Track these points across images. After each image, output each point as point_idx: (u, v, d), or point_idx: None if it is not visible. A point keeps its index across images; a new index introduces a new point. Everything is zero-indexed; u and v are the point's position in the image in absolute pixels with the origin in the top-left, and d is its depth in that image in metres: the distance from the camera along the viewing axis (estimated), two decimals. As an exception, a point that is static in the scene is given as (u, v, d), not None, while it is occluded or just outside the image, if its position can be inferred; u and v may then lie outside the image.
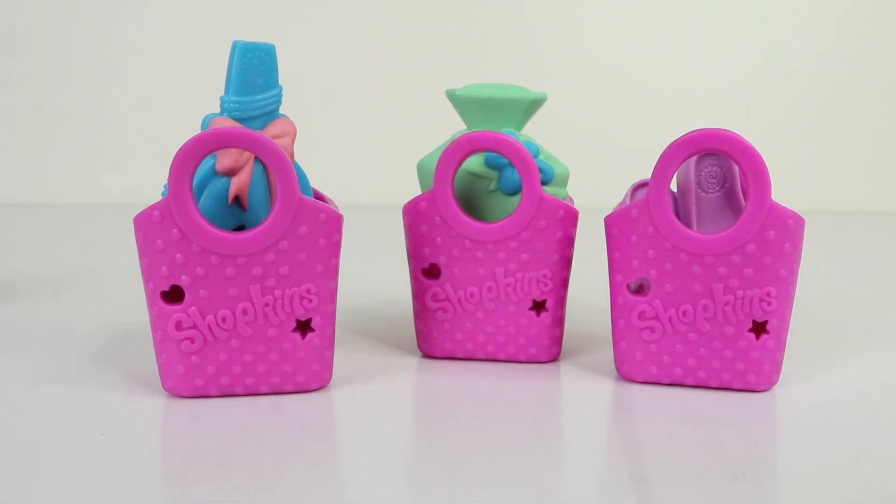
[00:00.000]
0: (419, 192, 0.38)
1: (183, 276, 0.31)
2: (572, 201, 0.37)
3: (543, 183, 0.36)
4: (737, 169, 0.34)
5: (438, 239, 0.36)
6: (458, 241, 0.35)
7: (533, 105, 0.37)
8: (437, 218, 0.35)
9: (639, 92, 0.98)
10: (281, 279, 0.31)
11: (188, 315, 0.31)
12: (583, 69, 0.97)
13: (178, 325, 0.31)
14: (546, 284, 0.36)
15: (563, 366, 0.37)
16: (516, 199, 0.36)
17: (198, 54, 0.93)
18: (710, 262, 0.32)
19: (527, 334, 0.36)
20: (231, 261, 0.31)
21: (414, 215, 0.36)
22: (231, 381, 0.32)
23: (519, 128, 0.37)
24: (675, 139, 0.32)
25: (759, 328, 0.33)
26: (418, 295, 0.37)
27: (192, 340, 0.31)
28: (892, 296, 0.54)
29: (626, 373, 0.35)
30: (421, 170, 0.38)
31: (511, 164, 0.35)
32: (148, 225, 0.30)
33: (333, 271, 0.32)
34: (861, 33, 0.99)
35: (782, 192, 0.39)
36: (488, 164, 0.36)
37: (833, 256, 0.68)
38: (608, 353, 0.38)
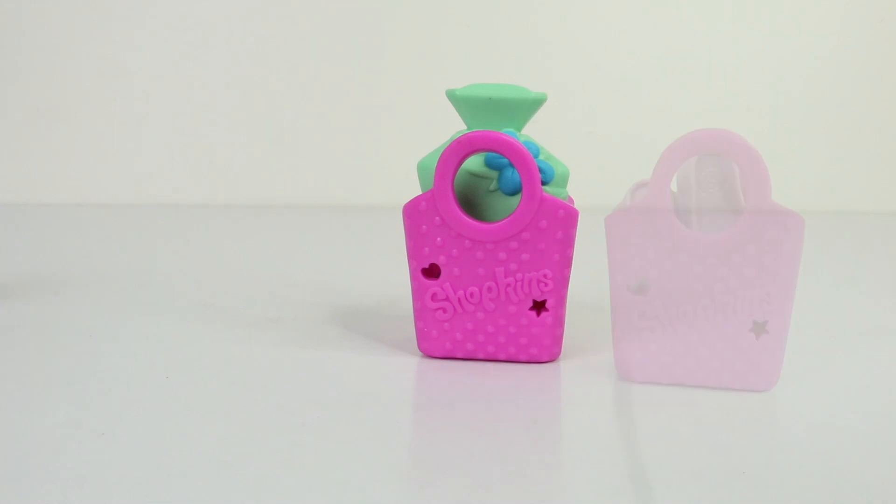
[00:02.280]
0: (419, 192, 0.38)
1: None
2: (572, 201, 0.37)
3: (543, 183, 0.36)
4: (737, 169, 0.34)
5: (438, 239, 0.36)
6: (458, 241, 0.36)
7: (533, 105, 0.37)
8: (437, 218, 0.35)
9: (639, 92, 0.98)
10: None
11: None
12: (583, 69, 0.97)
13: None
14: (546, 284, 0.36)
15: (563, 366, 0.37)
16: (516, 199, 0.36)
17: (198, 54, 0.93)
18: (709, 263, 0.32)
19: (527, 334, 0.36)
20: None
21: (414, 215, 0.36)
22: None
23: (519, 128, 0.37)
24: (675, 139, 0.32)
25: (759, 328, 0.33)
26: (418, 295, 0.37)
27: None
28: (892, 296, 0.54)
29: (626, 373, 0.35)
30: (421, 170, 0.38)
31: (511, 164, 0.35)
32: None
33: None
34: (861, 33, 0.99)
35: (782, 192, 0.39)
36: (488, 164, 0.36)
37: (833, 256, 0.68)
38: (608, 353, 0.38)
